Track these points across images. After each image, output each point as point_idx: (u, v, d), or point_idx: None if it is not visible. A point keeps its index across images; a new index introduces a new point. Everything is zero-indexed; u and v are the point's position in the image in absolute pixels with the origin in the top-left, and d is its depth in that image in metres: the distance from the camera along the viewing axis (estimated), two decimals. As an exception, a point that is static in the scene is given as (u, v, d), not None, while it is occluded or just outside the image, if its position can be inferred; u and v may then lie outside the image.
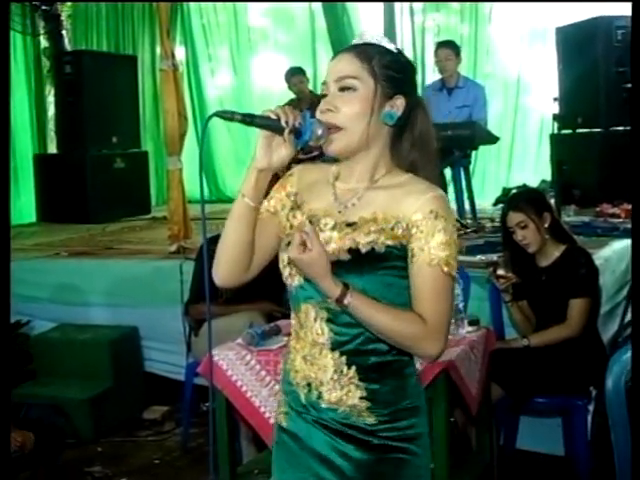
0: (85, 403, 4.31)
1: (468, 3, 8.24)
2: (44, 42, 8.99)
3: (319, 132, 1.61)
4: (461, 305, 3.18)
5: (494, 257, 3.95)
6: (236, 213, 1.67)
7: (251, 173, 1.64)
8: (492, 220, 5.57)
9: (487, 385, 3.22)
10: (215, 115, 1.61)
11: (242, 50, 9.35)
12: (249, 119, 1.59)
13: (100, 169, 7.18)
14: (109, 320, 4.78)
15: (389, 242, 1.60)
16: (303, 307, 1.68)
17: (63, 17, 9.10)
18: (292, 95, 7.28)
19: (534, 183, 6.94)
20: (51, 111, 8.48)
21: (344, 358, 1.64)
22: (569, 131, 6.43)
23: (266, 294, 3.73)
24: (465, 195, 5.85)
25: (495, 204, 6.66)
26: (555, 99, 5.97)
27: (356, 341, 1.64)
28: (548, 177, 6.73)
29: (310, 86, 7.57)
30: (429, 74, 7.76)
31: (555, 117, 5.66)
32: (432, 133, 1.70)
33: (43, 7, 8.81)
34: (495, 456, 3.32)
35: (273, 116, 1.58)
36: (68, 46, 9.00)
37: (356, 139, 1.64)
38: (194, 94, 9.20)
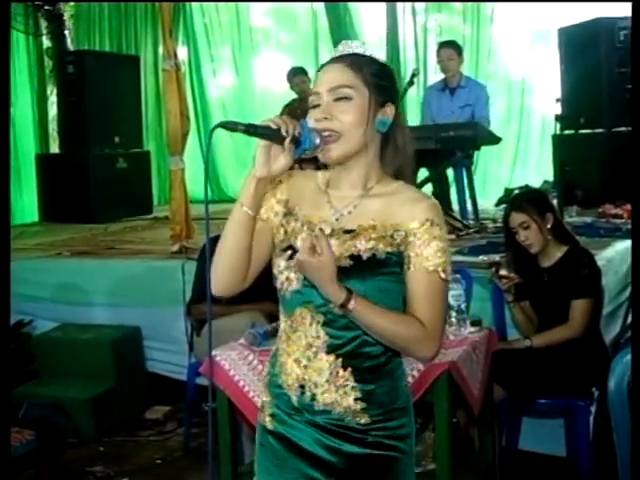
0: (87, 403, 4.31)
1: (470, 3, 8.24)
2: (47, 42, 9.00)
3: (317, 141, 1.64)
4: (463, 306, 3.17)
5: (496, 257, 3.94)
6: (235, 222, 1.68)
7: (250, 182, 1.65)
8: (494, 220, 5.57)
9: (489, 386, 3.22)
10: (219, 126, 1.62)
11: (244, 50, 9.36)
12: (252, 129, 1.60)
13: (102, 169, 7.19)
14: (111, 320, 4.78)
15: (389, 249, 1.65)
16: (297, 311, 1.70)
17: (66, 17, 9.10)
18: (294, 95, 7.27)
19: (536, 184, 6.96)
20: (53, 111, 8.47)
21: (340, 360, 1.67)
22: (571, 132, 6.43)
23: (268, 294, 3.72)
24: (467, 195, 5.85)
25: (497, 204, 6.68)
26: (557, 100, 5.98)
27: (352, 344, 1.67)
28: (550, 178, 6.74)
29: (312, 86, 7.54)
30: (431, 74, 7.76)
31: (557, 118, 5.66)
32: (409, 137, 1.75)
33: (46, 7, 8.83)
34: (497, 457, 3.31)
35: (273, 126, 1.60)
36: (71, 46, 9.02)
37: (354, 147, 1.67)
38: (196, 94, 9.21)
